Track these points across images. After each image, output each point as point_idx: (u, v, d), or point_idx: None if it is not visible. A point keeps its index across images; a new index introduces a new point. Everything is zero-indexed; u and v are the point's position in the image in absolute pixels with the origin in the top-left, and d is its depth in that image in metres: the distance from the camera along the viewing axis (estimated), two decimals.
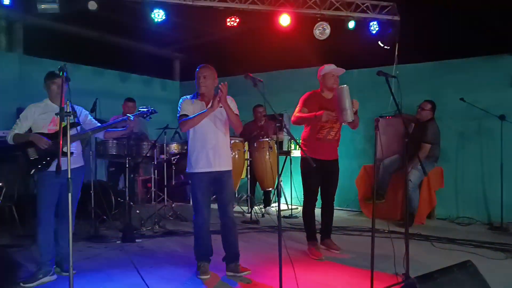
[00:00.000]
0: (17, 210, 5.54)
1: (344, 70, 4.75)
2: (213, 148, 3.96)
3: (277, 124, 3.56)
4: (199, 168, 3.97)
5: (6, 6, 5.07)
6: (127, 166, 5.83)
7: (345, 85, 4.28)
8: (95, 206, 5.74)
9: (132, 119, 4.12)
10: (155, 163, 6.16)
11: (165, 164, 6.74)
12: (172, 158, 6.63)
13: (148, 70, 9.20)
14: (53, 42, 7.54)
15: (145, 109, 4.31)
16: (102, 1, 5.51)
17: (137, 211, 6.16)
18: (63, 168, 3.90)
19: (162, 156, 6.65)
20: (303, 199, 4.90)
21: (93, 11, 5.29)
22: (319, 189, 4.82)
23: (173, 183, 6.91)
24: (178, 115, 4.03)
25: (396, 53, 6.69)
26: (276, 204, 7.68)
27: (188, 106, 4.03)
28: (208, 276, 3.98)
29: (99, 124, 4.25)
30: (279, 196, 3.26)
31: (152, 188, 6.86)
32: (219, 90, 3.82)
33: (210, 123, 3.98)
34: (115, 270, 4.22)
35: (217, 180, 4.02)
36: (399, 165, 6.44)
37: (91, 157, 5.81)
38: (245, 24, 6.35)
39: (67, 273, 4.01)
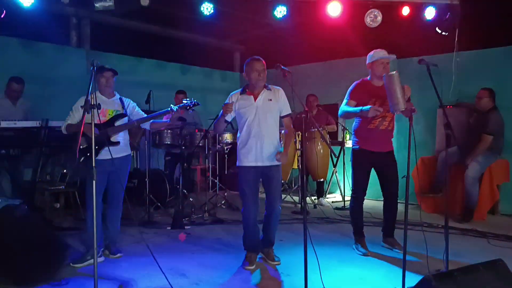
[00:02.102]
0: (79, 196, 5.93)
1: (395, 56, 4.48)
2: (262, 143, 3.97)
3: (304, 115, 3.46)
4: (247, 162, 4.02)
5: (65, 4, 5.38)
6: (180, 155, 6.06)
7: (394, 72, 3.92)
8: (149, 193, 6.01)
9: (175, 110, 4.25)
10: (206, 152, 6.31)
11: (216, 154, 6.91)
12: (226, 148, 6.76)
13: (209, 62, 9.40)
14: (118, 37, 7.92)
15: (188, 101, 4.44)
16: None
17: (191, 199, 6.36)
18: (110, 156, 4.23)
19: (221, 145, 6.81)
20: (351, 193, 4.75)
21: (146, 7, 5.47)
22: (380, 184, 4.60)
23: (226, 173, 7.05)
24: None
25: (456, 39, 6.33)
26: (331, 195, 7.75)
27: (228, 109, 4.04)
28: (253, 267, 4.04)
29: (145, 115, 4.44)
30: (302, 187, 3.24)
31: (210, 177, 7.07)
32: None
33: (259, 117, 3.98)
34: (159, 254, 4.39)
35: (265, 174, 4.05)
36: (458, 157, 6.14)
37: (146, 146, 6.07)
38: (294, 15, 6.28)
39: (115, 255, 4.36)
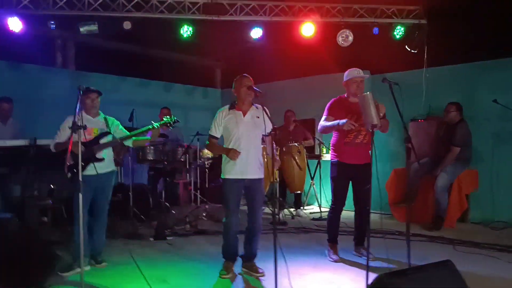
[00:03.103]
0: (66, 210, 6.10)
1: (367, 76, 4.76)
2: (248, 157, 4.13)
3: (272, 132, 3.74)
4: (233, 174, 4.15)
5: (53, 28, 5.63)
6: (162, 170, 6.31)
7: (367, 93, 4.11)
8: (133, 206, 6.23)
9: (156, 127, 4.49)
10: (188, 167, 6.56)
11: (197, 168, 7.17)
12: (206, 163, 7.02)
13: (190, 79, 9.67)
14: (102, 57, 8.17)
15: (168, 119, 4.68)
16: (135, 21, 5.99)
17: (173, 211, 6.58)
18: (95, 172, 4.47)
19: (202, 160, 7.06)
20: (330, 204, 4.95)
21: (128, 30, 5.74)
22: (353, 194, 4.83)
23: (207, 186, 7.31)
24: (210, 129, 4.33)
25: (425, 56, 6.70)
26: (309, 206, 8.00)
27: (218, 126, 4.24)
28: (230, 275, 4.22)
29: (128, 133, 4.68)
30: (273, 198, 3.49)
31: (192, 191, 7.33)
32: None
33: (244, 132, 4.15)
34: (143, 264, 4.62)
35: (248, 187, 4.20)
36: (429, 168, 6.45)
37: (130, 162, 6.30)
38: (270, 36, 6.60)
39: (100, 265, 4.58)
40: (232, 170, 4.16)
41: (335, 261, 4.66)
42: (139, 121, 6.49)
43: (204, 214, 6.97)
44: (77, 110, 3.49)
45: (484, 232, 6.09)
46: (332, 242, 4.86)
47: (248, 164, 4.15)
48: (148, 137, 4.72)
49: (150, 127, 4.53)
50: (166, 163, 6.31)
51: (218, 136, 4.31)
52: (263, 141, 4.42)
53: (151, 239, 5.68)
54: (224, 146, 4.30)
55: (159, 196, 6.82)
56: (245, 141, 4.16)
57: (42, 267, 3.80)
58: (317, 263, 4.67)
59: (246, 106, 4.24)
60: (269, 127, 4.02)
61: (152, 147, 6.51)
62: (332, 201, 4.86)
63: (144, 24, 6.22)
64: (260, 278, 4.19)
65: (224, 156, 4.27)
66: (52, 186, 6.19)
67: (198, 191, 7.19)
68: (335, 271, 4.41)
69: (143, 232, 6.08)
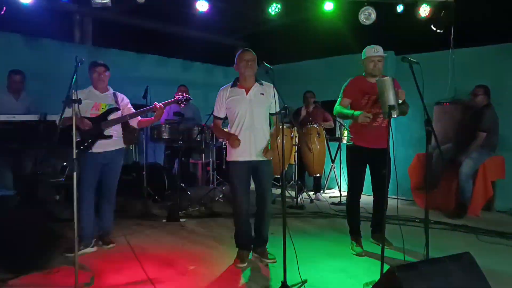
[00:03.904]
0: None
1: (383, 54, 4.32)
2: (253, 137, 3.92)
3: (282, 111, 3.49)
4: (238, 156, 3.95)
5: (65, 1, 5.50)
6: (179, 149, 6.19)
7: (387, 77, 3.77)
8: (147, 186, 6.14)
9: (158, 106, 4.31)
10: (203, 147, 6.43)
11: (214, 148, 7.03)
12: (224, 143, 6.87)
13: (210, 58, 9.51)
14: (120, 33, 8.05)
15: (180, 97, 4.52)
16: None
17: (188, 192, 6.47)
18: (104, 149, 4.37)
19: (220, 140, 6.92)
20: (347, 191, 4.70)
21: (143, 4, 5.58)
22: (371, 180, 4.56)
23: (223, 167, 7.17)
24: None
25: (452, 36, 6.34)
26: (329, 190, 7.82)
27: (221, 106, 4.03)
28: (245, 265, 3.98)
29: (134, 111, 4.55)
30: (283, 182, 3.32)
31: (211, 171, 7.21)
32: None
33: (250, 111, 3.91)
34: (151, 246, 4.54)
35: (255, 169, 3.98)
36: (453, 153, 6.18)
37: (144, 140, 6.19)
38: (287, 10, 6.34)
39: (108, 246, 4.50)
40: (238, 152, 3.95)
41: (359, 255, 4.33)
42: (156, 99, 6.35)
43: (221, 196, 6.85)
44: (72, 83, 3.35)
45: (510, 221, 5.81)
46: (355, 234, 4.56)
47: (254, 144, 3.93)
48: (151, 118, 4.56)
49: (152, 106, 4.36)
50: (181, 142, 6.17)
51: (222, 116, 4.09)
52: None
53: (164, 220, 5.59)
54: (227, 127, 4.14)
55: (175, 176, 6.71)
56: (249, 120, 3.93)
57: (44, 248, 3.73)
58: (331, 250, 4.49)
59: (248, 83, 3.99)
60: (277, 107, 3.82)
61: (167, 126, 6.39)
62: (349, 187, 4.60)
63: None
64: (270, 264, 4.04)
65: None
66: (65, 163, 6.16)
67: (215, 171, 7.04)
68: (349, 259, 4.22)
69: (157, 213, 6.01)
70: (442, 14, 6.19)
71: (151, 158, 7.31)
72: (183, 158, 6.60)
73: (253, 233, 4.20)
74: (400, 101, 3.97)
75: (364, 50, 4.41)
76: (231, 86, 4.03)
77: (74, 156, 3.26)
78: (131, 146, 6.80)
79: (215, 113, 4.11)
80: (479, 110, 5.99)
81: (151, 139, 6.53)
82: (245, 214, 4.04)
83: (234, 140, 3.88)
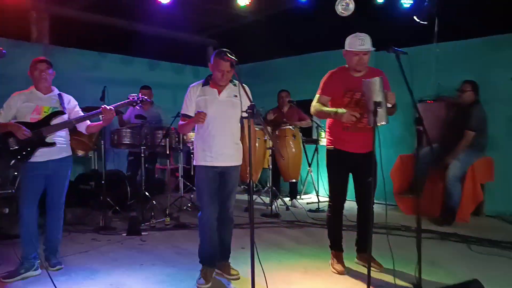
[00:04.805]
0: None
1: (370, 47, 3.72)
2: (222, 141, 3.58)
3: (248, 111, 2.98)
4: (206, 161, 3.59)
5: None
6: (142, 155, 5.64)
7: (375, 79, 3.28)
8: (107, 196, 5.56)
9: (108, 108, 3.77)
10: (168, 152, 5.87)
11: (181, 153, 6.50)
12: (191, 147, 6.32)
13: (179, 57, 8.97)
14: (79, 31, 7.44)
15: (135, 97, 4.00)
16: None
17: (154, 202, 5.90)
18: (47, 158, 3.79)
19: (189, 145, 6.38)
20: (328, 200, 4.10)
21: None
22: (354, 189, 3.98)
23: (192, 173, 6.63)
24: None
25: (436, 29, 5.93)
26: (307, 196, 7.34)
27: (190, 103, 3.61)
28: (208, 285, 3.52)
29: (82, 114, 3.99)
30: (250, 190, 2.81)
31: (180, 178, 6.66)
32: None
33: (218, 113, 3.55)
34: (104, 266, 3.97)
35: (223, 174, 3.64)
36: (438, 155, 5.75)
37: (103, 146, 5.60)
38: (258, 3, 5.86)
39: (54, 268, 3.91)
40: (205, 156, 3.58)
41: (340, 273, 3.79)
42: (117, 101, 5.83)
43: (189, 205, 6.30)
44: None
45: (502, 227, 5.44)
46: (335, 250, 4.00)
47: (222, 149, 3.57)
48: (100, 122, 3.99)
49: (100, 111, 3.81)
50: (143, 147, 5.62)
51: (192, 115, 3.60)
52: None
53: (124, 234, 5.02)
54: (195, 129, 3.70)
55: (139, 184, 6.12)
56: (219, 123, 3.56)
57: None
58: (308, 267, 3.96)
59: (222, 85, 3.59)
60: (246, 104, 3.31)
61: (128, 130, 5.84)
62: (329, 197, 4.01)
63: None
64: (234, 282, 3.56)
65: (195, 141, 3.69)
66: (16, 173, 5.54)
67: (182, 178, 6.49)
68: (328, 279, 3.70)
69: (117, 225, 5.43)
70: (425, 4, 5.75)
71: (114, 165, 6.70)
72: (147, 165, 6.02)
73: None
74: (389, 105, 3.48)
75: (347, 40, 3.77)
76: (203, 85, 3.63)
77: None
78: (90, 152, 6.18)
79: (183, 111, 3.66)
80: (467, 107, 5.60)
81: (111, 144, 5.95)
82: (211, 224, 3.61)
83: (199, 115, 3.46)
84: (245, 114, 3.15)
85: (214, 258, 3.71)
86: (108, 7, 7.28)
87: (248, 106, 2.99)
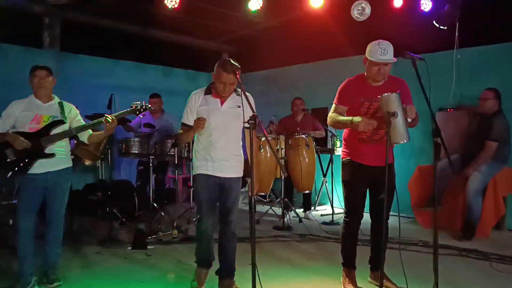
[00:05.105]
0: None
1: (392, 58, 3.44)
2: (223, 152, 3.48)
3: (251, 121, 2.82)
4: (206, 170, 3.49)
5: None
6: (150, 165, 5.51)
7: (392, 94, 3.10)
8: (113, 207, 5.43)
9: (109, 119, 3.62)
10: (176, 162, 5.72)
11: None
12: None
13: (193, 64, 8.86)
14: (91, 38, 7.38)
15: (138, 106, 3.86)
16: None
17: (162, 214, 5.74)
18: (46, 170, 3.66)
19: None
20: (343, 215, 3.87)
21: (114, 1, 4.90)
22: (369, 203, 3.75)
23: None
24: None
25: (457, 34, 5.66)
26: (321, 207, 7.10)
27: (192, 112, 3.48)
28: None
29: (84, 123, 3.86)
30: (251, 207, 2.63)
31: (192, 188, 6.49)
32: None
33: (223, 124, 3.45)
34: (105, 283, 3.83)
35: (222, 186, 3.53)
36: (459, 166, 5.48)
37: (109, 155, 5.49)
38: (272, 9, 5.68)
39: (52, 285, 3.76)
40: (205, 166, 3.50)
41: None
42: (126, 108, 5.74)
43: (198, 216, 6.11)
44: None
45: None
46: (348, 267, 3.78)
47: (224, 160, 3.48)
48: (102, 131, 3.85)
49: (102, 119, 3.67)
50: (152, 157, 5.49)
51: (192, 124, 3.45)
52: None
53: (129, 248, 4.87)
54: (196, 138, 3.58)
55: (148, 195, 5.98)
56: (221, 134, 3.46)
57: None
58: (318, 286, 3.75)
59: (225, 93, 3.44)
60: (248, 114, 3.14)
61: (136, 139, 5.71)
62: (345, 212, 3.78)
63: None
64: None
65: (194, 150, 3.61)
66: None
67: (191, 189, 6.32)
68: None
69: (123, 237, 5.29)
70: (445, 9, 5.49)
71: (124, 175, 6.58)
72: (156, 174, 5.88)
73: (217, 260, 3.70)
74: (409, 120, 3.26)
75: (369, 46, 3.52)
76: (205, 94, 3.49)
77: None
78: (98, 162, 6.06)
79: (184, 120, 3.54)
80: (489, 117, 5.33)
81: (119, 154, 5.82)
82: (209, 232, 3.57)
83: (198, 122, 3.36)
84: (247, 125, 3.02)
85: (209, 259, 3.71)
86: (121, 13, 7.20)
87: (250, 117, 2.84)
